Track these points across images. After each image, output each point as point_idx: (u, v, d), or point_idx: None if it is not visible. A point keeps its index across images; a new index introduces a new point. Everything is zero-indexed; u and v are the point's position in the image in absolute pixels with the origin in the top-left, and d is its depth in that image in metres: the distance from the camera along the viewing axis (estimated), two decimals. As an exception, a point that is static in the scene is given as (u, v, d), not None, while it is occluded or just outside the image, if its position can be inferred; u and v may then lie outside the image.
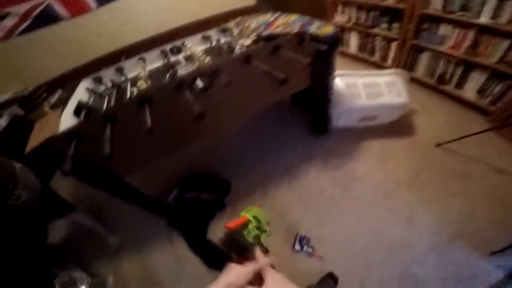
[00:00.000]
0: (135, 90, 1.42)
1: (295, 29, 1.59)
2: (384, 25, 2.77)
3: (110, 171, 1.19)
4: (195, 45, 1.86)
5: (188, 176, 2.08)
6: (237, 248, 0.73)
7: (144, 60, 1.76)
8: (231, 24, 2.08)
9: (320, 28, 1.54)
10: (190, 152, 1.80)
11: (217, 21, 2.49)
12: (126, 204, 1.60)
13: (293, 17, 1.78)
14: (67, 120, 1.19)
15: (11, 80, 2.48)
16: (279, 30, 1.68)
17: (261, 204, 1.76)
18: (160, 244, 1.81)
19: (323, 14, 3.39)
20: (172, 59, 1.79)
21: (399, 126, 2.21)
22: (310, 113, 2.18)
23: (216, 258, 1.62)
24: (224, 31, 2.04)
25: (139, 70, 1.62)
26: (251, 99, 1.51)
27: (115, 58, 2.43)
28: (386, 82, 2.06)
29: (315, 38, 1.47)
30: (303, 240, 1.61)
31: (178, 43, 1.89)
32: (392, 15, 2.64)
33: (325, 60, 1.62)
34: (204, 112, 0.95)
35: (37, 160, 1.08)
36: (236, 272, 0.61)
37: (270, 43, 1.46)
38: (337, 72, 1.90)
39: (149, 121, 0.94)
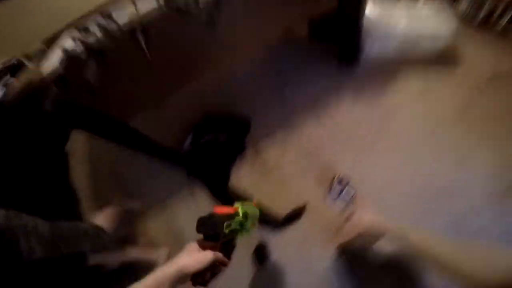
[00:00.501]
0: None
1: None
2: None
3: (111, 117, 1.11)
4: None
5: (202, 118, 1.93)
6: (208, 231, 0.73)
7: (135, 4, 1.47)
8: None
9: None
10: (202, 91, 1.65)
11: None
12: (142, 161, 1.53)
13: None
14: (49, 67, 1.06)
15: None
16: None
17: (287, 143, 1.70)
18: (182, 198, 1.76)
19: None
20: None
21: (442, 58, 1.89)
22: (334, 44, 1.89)
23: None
24: None
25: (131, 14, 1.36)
26: (266, 23, 1.26)
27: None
28: (427, 10, 1.79)
29: None
30: (341, 183, 1.41)
31: None
32: None
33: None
34: (215, 21, 0.79)
35: (23, 109, 0.99)
36: (193, 257, 0.60)
37: None
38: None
39: (146, 49, 0.80)
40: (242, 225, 0.77)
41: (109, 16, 1.48)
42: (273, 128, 1.82)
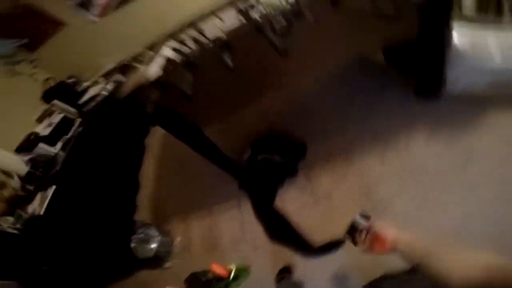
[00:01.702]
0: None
1: None
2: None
3: (191, 122, 1.28)
4: None
5: (262, 135, 1.98)
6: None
7: (221, 19, 1.75)
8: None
9: None
10: (266, 108, 1.75)
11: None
12: (205, 165, 1.69)
13: None
14: (152, 71, 1.31)
15: (113, 51, 2.90)
16: None
17: (342, 175, 1.57)
18: (229, 207, 1.82)
19: None
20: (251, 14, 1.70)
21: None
22: (412, 74, 1.67)
23: (278, 228, 1.55)
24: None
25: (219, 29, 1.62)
26: (337, 44, 1.32)
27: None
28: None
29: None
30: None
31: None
32: None
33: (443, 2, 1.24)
34: (288, 48, 0.88)
35: (127, 103, 1.21)
36: None
37: None
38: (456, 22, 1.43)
39: (229, 62, 0.95)
40: (227, 285, 0.78)
41: (200, 31, 1.78)
42: (330, 157, 1.71)
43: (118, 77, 2.69)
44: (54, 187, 1.62)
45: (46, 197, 1.60)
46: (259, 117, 2.02)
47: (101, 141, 2.05)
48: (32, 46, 2.78)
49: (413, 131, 1.61)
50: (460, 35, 1.51)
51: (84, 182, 1.80)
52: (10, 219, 1.69)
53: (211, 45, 1.25)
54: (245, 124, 2.00)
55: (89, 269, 1.68)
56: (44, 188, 1.71)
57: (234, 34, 1.22)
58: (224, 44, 1.15)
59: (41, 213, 1.54)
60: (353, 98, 1.92)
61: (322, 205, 1.57)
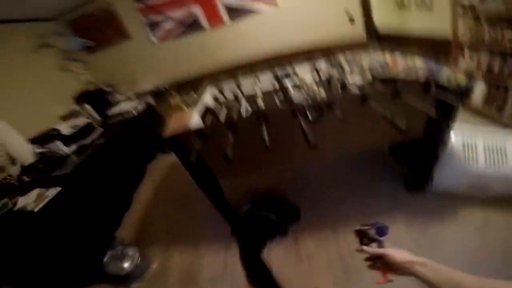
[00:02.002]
0: (251, 107, 1.59)
1: (421, 74, 1.46)
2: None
3: (212, 171, 1.36)
4: (305, 74, 1.97)
5: (263, 194, 2.17)
6: None
7: (258, 80, 1.99)
8: (341, 58, 2.11)
9: (450, 76, 1.36)
10: (274, 172, 1.88)
11: (325, 51, 2.61)
12: (202, 201, 1.79)
13: (416, 60, 1.66)
14: (196, 119, 1.43)
15: (155, 74, 3.20)
16: (399, 72, 1.60)
17: (326, 243, 1.72)
18: (216, 246, 1.90)
19: (445, 56, 3.07)
20: (284, 83, 1.91)
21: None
22: (408, 166, 1.95)
23: (260, 276, 1.64)
24: (334, 64, 2.08)
25: (255, 89, 1.84)
26: (356, 137, 1.47)
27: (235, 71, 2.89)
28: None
29: (443, 88, 1.32)
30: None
31: (289, 69, 2.04)
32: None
33: (448, 112, 1.44)
34: (317, 143, 1.00)
35: (171, 144, 1.32)
36: None
37: (391, 86, 1.39)
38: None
39: (266, 137, 1.06)
40: None
41: (239, 85, 2.02)
42: (319, 226, 1.89)
43: (150, 100, 2.91)
44: (59, 189, 1.62)
45: (46, 196, 1.58)
46: (264, 178, 2.26)
47: (115, 157, 2.14)
48: (93, 49, 3.06)
49: (395, 216, 1.83)
50: (456, 136, 1.72)
51: (88, 191, 1.82)
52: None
53: (251, 114, 1.38)
54: (250, 180, 2.22)
55: (53, 270, 1.59)
56: (45, 186, 1.70)
57: (272, 111, 1.37)
58: (263, 116, 1.27)
59: (35, 209, 1.50)
60: (351, 178, 2.23)
61: (304, 264, 1.71)
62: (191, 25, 2.90)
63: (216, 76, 3.09)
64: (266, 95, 1.80)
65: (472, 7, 2.56)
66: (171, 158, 3.05)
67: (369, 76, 1.65)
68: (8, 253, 1.47)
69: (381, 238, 0.76)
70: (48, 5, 2.58)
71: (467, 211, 1.77)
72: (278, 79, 1.99)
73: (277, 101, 1.64)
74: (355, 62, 1.97)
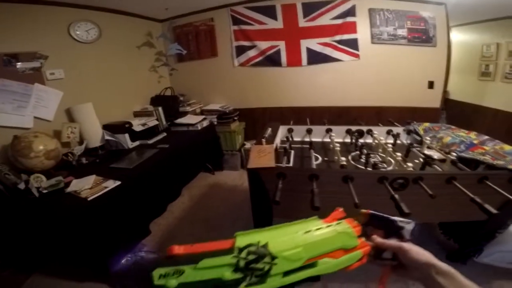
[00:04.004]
0: (316, 157, 1.61)
1: (510, 164, 1.34)
2: None
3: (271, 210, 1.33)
4: (380, 135, 1.93)
5: None
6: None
7: (331, 131, 2.00)
8: (420, 127, 2.01)
9: None
10: None
11: (391, 111, 2.79)
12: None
13: (506, 147, 1.52)
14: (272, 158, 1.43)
15: (226, 96, 3.40)
16: (487, 157, 1.46)
17: None
18: None
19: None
20: (359, 140, 1.90)
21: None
22: (455, 239, 1.83)
23: None
24: (411, 131, 1.99)
25: (327, 140, 1.86)
26: (430, 211, 1.36)
27: (298, 112, 3.06)
28: None
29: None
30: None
31: (364, 128, 2.02)
32: None
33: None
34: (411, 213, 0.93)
35: (252, 175, 1.31)
36: None
37: (480, 171, 1.32)
38: None
39: (355, 198, 1.01)
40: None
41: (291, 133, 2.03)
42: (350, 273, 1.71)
43: (212, 118, 3.06)
44: (118, 183, 1.68)
45: (103, 188, 1.62)
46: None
47: (173, 163, 2.22)
48: (183, 58, 3.34)
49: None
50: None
51: (139, 190, 1.87)
52: (44, 179, 1.63)
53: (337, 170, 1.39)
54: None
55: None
56: (103, 175, 1.76)
57: (361, 174, 1.33)
58: (314, 175, 1.23)
59: (89, 198, 1.50)
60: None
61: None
62: (271, 58, 3.05)
63: (285, 114, 3.22)
64: (341, 147, 1.78)
65: None
66: (213, 178, 3.20)
67: (452, 153, 1.54)
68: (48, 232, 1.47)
69: (409, 238, 0.57)
70: (161, 7, 2.88)
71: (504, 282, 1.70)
72: (350, 134, 1.98)
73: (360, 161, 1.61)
74: (435, 135, 1.86)
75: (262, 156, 1.36)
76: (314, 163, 1.55)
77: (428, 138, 1.83)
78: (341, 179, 1.21)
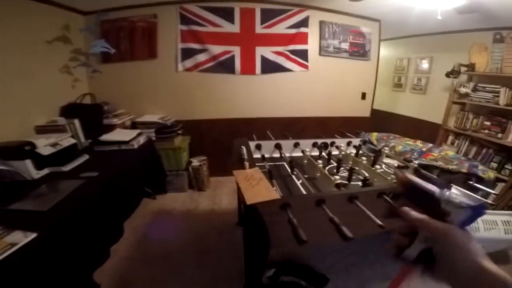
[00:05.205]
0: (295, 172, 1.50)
1: (463, 168, 1.54)
2: (494, 164, 2.78)
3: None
4: (343, 147, 1.98)
5: (286, 259, 1.94)
6: None
7: (299, 145, 1.93)
8: (372, 138, 2.14)
9: (484, 172, 1.50)
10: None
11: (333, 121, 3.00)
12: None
13: (449, 153, 1.77)
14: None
15: (165, 106, 2.90)
16: (439, 163, 1.65)
17: None
18: None
19: (431, 140, 3.44)
20: (326, 152, 1.87)
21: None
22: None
23: None
24: (366, 142, 2.10)
25: (299, 154, 1.76)
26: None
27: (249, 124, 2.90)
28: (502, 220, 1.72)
29: (480, 182, 1.42)
30: None
31: (327, 140, 2.04)
32: (510, 155, 2.65)
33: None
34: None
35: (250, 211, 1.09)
36: None
37: (446, 178, 1.47)
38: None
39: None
40: None
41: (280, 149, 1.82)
42: None
43: (150, 133, 2.54)
44: (34, 235, 1.07)
45: (11, 244, 1.04)
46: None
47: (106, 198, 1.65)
48: (110, 58, 2.68)
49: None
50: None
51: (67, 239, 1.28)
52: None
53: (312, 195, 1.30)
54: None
55: None
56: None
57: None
58: (322, 200, 1.13)
59: None
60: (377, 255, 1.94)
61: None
62: (223, 64, 2.79)
63: (236, 126, 2.99)
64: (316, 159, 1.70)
65: (466, 95, 2.98)
66: (155, 203, 2.68)
67: (415, 165, 1.67)
68: None
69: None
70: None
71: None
72: (318, 147, 1.96)
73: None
74: (387, 144, 2.02)
75: (255, 185, 1.13)
76: (298, 183, 1.42)
77: (387, 148, 1.96)
78: (346, 200, 1.14)
